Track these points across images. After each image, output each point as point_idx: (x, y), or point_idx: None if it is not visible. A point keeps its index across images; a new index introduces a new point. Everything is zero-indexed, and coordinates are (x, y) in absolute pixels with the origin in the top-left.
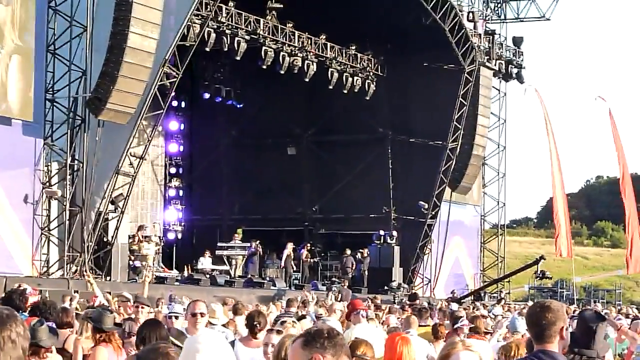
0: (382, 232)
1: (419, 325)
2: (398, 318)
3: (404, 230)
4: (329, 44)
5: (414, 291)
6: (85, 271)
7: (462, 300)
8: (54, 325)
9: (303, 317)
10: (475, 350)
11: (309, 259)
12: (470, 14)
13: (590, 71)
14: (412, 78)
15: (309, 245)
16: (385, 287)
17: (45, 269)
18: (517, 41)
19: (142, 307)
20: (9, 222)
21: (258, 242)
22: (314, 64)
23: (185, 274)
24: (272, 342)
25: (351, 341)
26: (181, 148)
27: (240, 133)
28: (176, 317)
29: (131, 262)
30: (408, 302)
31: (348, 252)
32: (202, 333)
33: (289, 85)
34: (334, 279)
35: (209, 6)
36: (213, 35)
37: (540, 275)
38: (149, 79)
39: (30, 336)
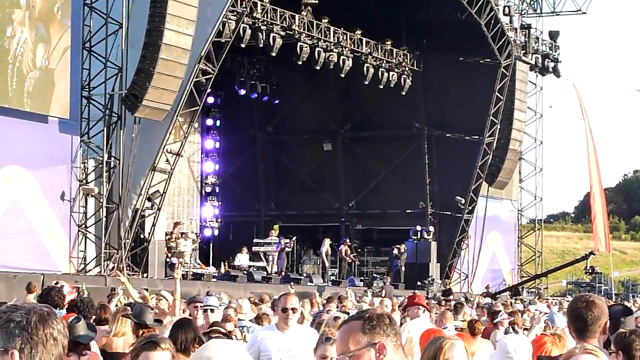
0: (418, 228)
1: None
2: (435, 313)
3: (441, 225)
4: (364, 39)
5: (448, 286)
6: (121, 270)
7: (497, 296)
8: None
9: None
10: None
11: (348, 255)
12: (506, 8)
13: (627, 65)
14: (448, 73)
15: (348, 241)
16: (419, 283)
17: (82, 266)
18: (553, 35)
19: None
20: (46, 219)
21: (288, 239)
22: (350, 59)
23: (222, 270)
24: (330, 355)
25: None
26: (217, 144)
27: (276, 129)
28: (212, 311)
29: (168, 259)
30: (442, 298)
31: (396, 250)
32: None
33: (324, 81)
34: (375, 274)
35: (244, 2)
36: (248, 31)
37: (590, 271)
38: (184, 75)
39: (68, 333)
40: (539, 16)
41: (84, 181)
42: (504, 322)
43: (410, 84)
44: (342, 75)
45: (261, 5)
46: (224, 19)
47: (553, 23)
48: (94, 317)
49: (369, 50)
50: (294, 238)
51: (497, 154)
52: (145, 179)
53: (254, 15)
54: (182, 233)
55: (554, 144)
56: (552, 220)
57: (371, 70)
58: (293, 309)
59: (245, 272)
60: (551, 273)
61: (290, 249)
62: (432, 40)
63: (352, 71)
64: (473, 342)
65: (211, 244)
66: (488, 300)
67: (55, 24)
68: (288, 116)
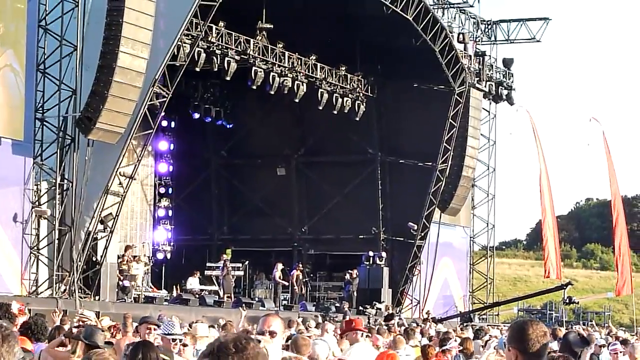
0: (371, 253)
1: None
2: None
3: (393, 251)
4: (319, 64)
5: (390, 311)
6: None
7: (443, 322)
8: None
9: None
10: None
11: (300, 280)
12: (461, 36)
13: (581, 93)
14: (402, 99)
15: (300, 266)
16: (360, 308)
17: (34, 288)
18: (508, 63)
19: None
20: None
21: (241, 263)
22: (304, 84)
23: (174, 294)
24: None
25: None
26: (171, 168)
27: (229, 153)
28: (173, 340)
29: (120, 282)
30: (384, 323)
31: (348, 275)
32: None
33: (278, 105)
34: (329, 300)
35: (199, 26)
36: (203, 55)
37: (567, 301)
38: (138, 98)
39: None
40: (494, 44)
41: (37, 203)
42: (452, 350)
43: (364, 109)
44: (297, 100)
45: (216, 29)
46: (179, 43)
47: (507, 51)
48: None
49: (324, 76)
50: (246, 263)
51: (450, 181)
52: (98, 201)
53: (209, 39)
54: (134, 256)
55: (506, 171)
56: (504, 247)
57: (325, 95)
58: (271, 333)
59: (197, 295)
60: (521, 300)
61: (240, 273)
62: (386, 66)
63: (306, 96)
64: None
65: (163, 268)
66: (440, 326)
67: (8, 45)
68: (242, 140)
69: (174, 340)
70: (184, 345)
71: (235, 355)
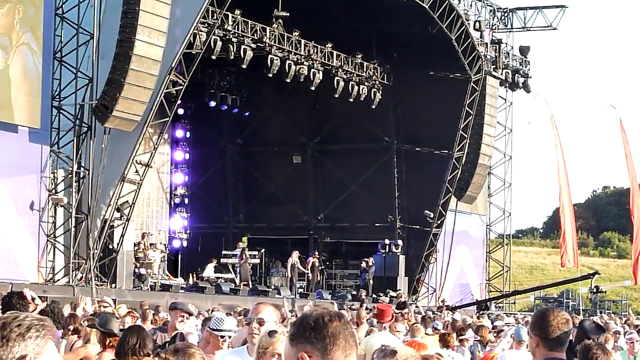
0: (387, 241)
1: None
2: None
3: (409, 239)
4: (334, 52)
5: (402, 299)
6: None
7: (457, 310)
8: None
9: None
10: None
11: (316, 268)
12: (477, 23)
13: (596, 80)
14: (418, 87)
15: (316, 254)
16: (374, 296)
17: (50, 275)
18: (524, 50)
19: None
20: (15, 228)
21: (256, 251)
22: (320, 72)
23: (190, 281)
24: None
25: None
26: (187, 156)
27: (245, 141)
28: (222, 337)
29: (136, 270)
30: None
31: (364, 264)
32: None
33: (294, 93)
34: (348, 287)
35: (215, 14)
36: (219, 43)
37: (595, 290)
38: (155, 86)
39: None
40: (510, 31)
41: (54, 191)
42: (469, 339)
43: (380, 97)
44: (313, 88)
45: (232, 17)
46: (195, 31)
47: (524, 38)
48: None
49: (340, 64)
50: (262, 251)
51: (466, 169)
52: (115, 189)
53: (225, 27)
54: (150, 244)
55: (523, 159)
56: (520, 235)
57: (341, 83)
58: (260, 321)
59: (213, 283)
60: (546, 288)
61: (256, 261)
62: (402, 54)
63: (322, 84)
64: None
65: (179, 255)
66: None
67: (26, 34)
68: (258, 128)
69: (222, 337)
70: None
71: (312, 331)
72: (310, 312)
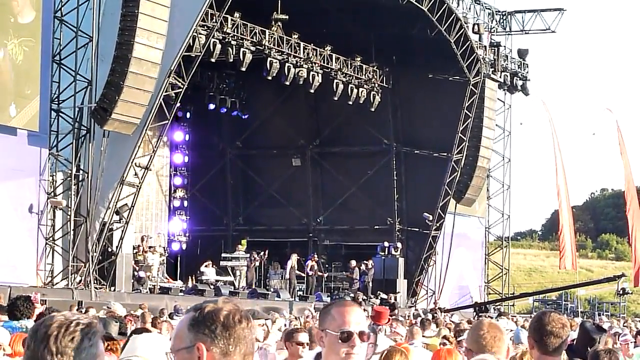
0: (386, 244)
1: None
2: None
3: (409, 241)
4: (334, 55)
5: (392, 301)
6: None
7: (453, 313)
8: None
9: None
10: None
11: (315, 271)
12: (476, 26)
13: (594, 83)
14: (417, 90)
15: (315, 256)
16: (363, 298)
17: (49, 279)
18: (523, 53)
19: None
20: (14, 231)
21: (263, 252)
22: (319, 75)
23: (190, 284)
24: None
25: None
26: (186, 159)
27: (245, 144)
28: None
29: (136, 273)
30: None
31: (353, 263)
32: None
33: (294, 96)
34: (341, 289)
35: (214, 17)
36: (218, 46)
37: (621, 292)
38: (154, 89)
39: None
40: (508, 34)
41: (52, 194)
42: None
43: (379, 100)
44: (312, 91)
45: (231, 20)
46: (194, 34)
47: (522, 41)
48: None
49: (339, 66)
50: (267, 250)
51: (465, 171)
52: (114, 192)
53: (225, 30)
54: (149, 247)
55: (521, 162)
56: (519, 237)
57: (340, 86)
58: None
59: (212, 286)
60: (569, 289)
61: (262, 261)
62: (401, 57)
63: (321, 87)
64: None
65: (179, 258)
66: (455, 317)
67: (25, 36)
68: (257, 131)
69: None
70: None
71: (221, 327)
72: (221, 305)
